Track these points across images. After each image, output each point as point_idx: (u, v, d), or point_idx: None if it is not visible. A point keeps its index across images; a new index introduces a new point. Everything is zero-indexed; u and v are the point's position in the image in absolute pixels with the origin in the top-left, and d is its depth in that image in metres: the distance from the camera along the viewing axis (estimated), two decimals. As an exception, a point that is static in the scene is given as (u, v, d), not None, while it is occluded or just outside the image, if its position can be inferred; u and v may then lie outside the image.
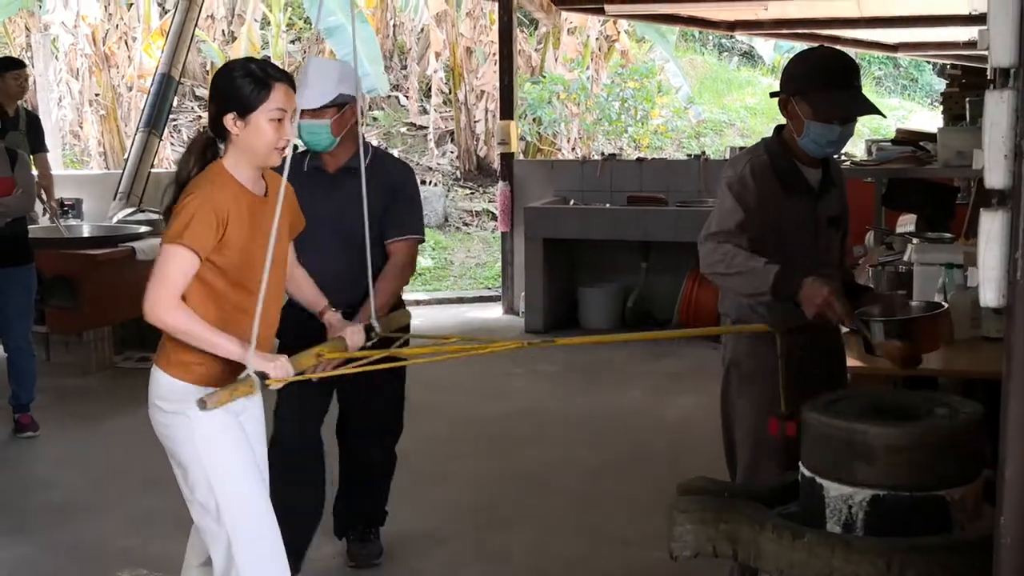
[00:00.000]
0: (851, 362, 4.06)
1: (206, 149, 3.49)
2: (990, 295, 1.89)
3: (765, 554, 2.66)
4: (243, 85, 3.37)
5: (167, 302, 3.30)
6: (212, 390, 3.40)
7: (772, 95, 3.88)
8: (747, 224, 3.67)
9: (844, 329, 4.06)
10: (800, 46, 17.95)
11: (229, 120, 3.39)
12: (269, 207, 3.47)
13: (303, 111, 4.31)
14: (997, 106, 1.85)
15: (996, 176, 1.87)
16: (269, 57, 16.56)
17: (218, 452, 3.49)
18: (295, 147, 3.72)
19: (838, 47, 14.27)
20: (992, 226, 1.88)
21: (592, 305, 10.38)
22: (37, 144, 8.25)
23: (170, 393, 3.47)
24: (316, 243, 4.13)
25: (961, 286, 4.64)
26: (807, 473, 2.76)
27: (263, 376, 3.23)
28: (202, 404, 3.09)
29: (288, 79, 3.47)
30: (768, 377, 3.76)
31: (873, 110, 3.74)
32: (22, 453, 6.77)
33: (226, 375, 3.46)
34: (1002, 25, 1.84)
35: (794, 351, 3.59)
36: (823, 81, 3.68)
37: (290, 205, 3.66)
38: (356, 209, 3.84)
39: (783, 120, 3.85)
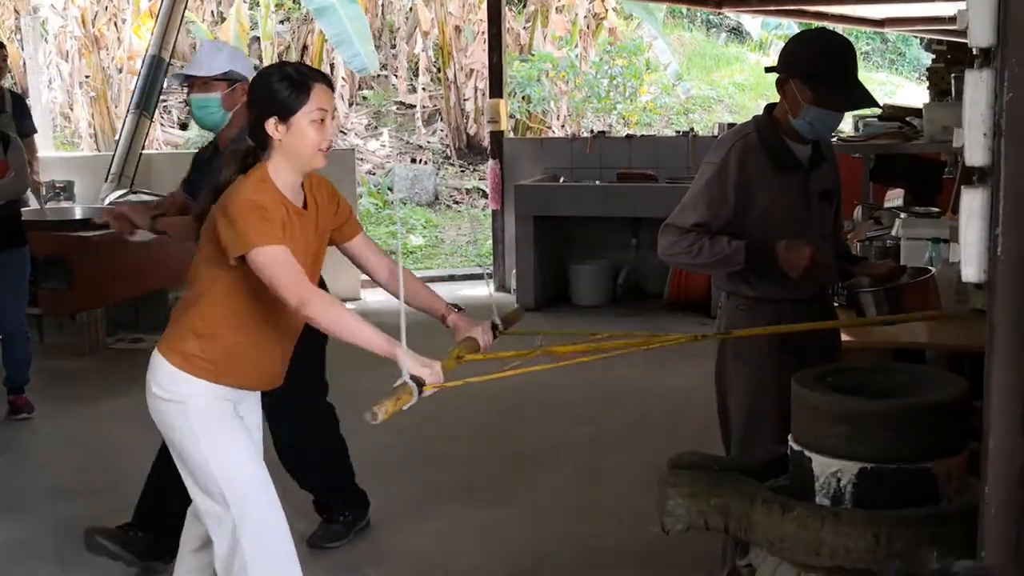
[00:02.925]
0: (842, 336, 4.11)
1: (247, 157, 3.46)
2: (971, 271, 1.93)
3: (756, 527, 2.71)
4: (281, 89, 3.34)
5: (305, 294, 3.23)
6: (211, 386, 3.45)
7: (767, 70, 3.90)
8: (707, 225, 3.76)
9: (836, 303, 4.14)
10: (787, 22, 18.02)
11: (271, 125, 3.35)
12: (308, 219, 3.47)
13: (194, 85, 4.51)
14: (976, 86, 1.88)
15: (976, 154, 1.90)
16: (259, 38, 16.55)
17: (218, 439, 3.50)
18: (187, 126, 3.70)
19: (825, 23, 14.38)
20: (972, 203, 1.92)
21: (583, 282, 10.43)
22: (24, 126, 8.24)
23: (169, 382, 3.48)
24: None
25: (947, 260, 4.69)
26: (796, 447, 2.81)
27: (419, 382, 3.11)
28: (373, 416, 2.95)
29: (326, 79, 3.45)
30: (762, 349, 3.81)
31: (873, 103, 3.78)
32: (17, 434, 6.80)
33: (239, 377, 3.51)
34: (980, 5, 1.87)
35: (786, 341, 3.67)
36: (827, 69, 3.69)
37: (330, 219, 3.61)
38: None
39: (770, 96, 3.89)
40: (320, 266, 3.65)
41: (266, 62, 16.30)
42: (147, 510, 4.78)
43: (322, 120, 3.37)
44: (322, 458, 5.05)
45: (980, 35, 1.89)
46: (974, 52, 1.98)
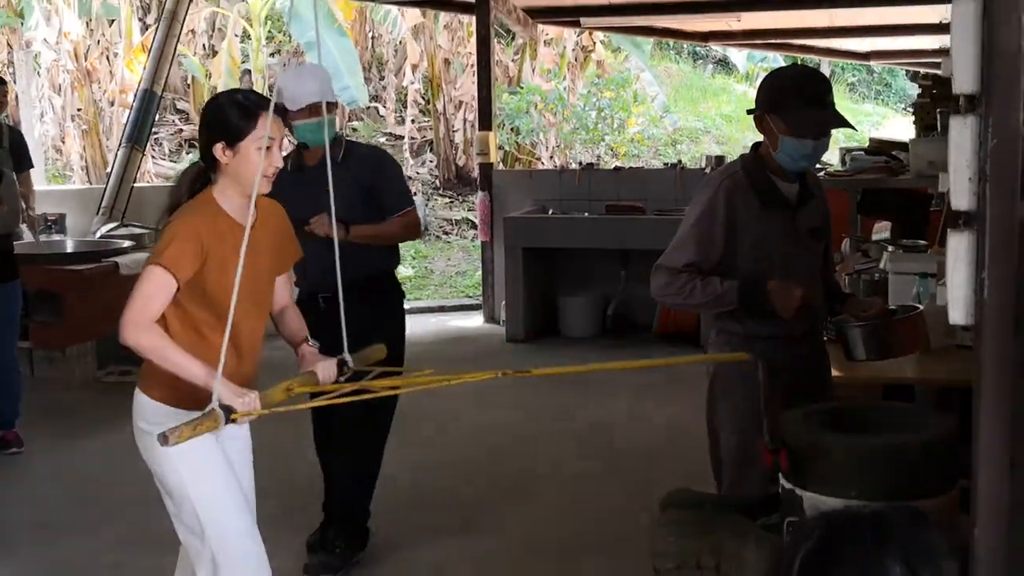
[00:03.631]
0: (832, 371, 4.13)
1: (197, 179, 3.54)
2: (957, 314, 1.96)
3: (748, 566, 2.72)
4: (231, 115, 3.42)
5: (138, 322, 3.33)
6: (191, 413, 3.47)
7: (748, 112, 3.96)
8: (698, 264, 3.81)
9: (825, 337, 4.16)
10: (773, 55, 18.15)
11: (218, 150, 3.42)
12: (256, 238, 3.49)
13: (307, 110, 4.72)
14: (961, 132, 1.92)
15: (961, 199, 1.94)
16: (250, 71, 16.60)
17: (199, 474, 3.53)
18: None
19: (811, 57, 14.45)
20: (959, 247, 1.95)
21: (572, 313, 10.47)
22: (21, 161, 8.25)
23: (152, 415, 3.52)
24: (302, 234, 4.21)
25: (935, 295, 4.72)
26: (787, 485, 2.83)
27: (228, 410, 3.16)
28: (163, 439, 3.00)
29: (276, 108, 3.50)
30: (751, 388, 3.83)
31: (844, 124, 3.81)
32: (7, 469, 6.77)
33: (204, 399, 3.51)
34: (964, 53, 1.91)
35: (776, 379, 3.64)
36: (796, 98, 3.76)
37: (279, 239, 3.68)
38: (337, 196, 3.98)
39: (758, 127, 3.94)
40: (271, 286, 3.71)
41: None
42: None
43: (268, 148, 3.42)
44: (370, 457, 5.17)
45: (964, 82, 1.92)
46: (959, 100, 2.01)
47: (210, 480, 3.55)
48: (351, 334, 3.70)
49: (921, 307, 4.01)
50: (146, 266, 3.36)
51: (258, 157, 3.41)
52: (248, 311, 3.51)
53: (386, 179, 5.02)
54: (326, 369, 3.54)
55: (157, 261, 3.33)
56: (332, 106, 4.76)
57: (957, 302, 1.96)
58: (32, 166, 8.74)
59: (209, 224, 3.42)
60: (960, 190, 1.94)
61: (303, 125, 4.73)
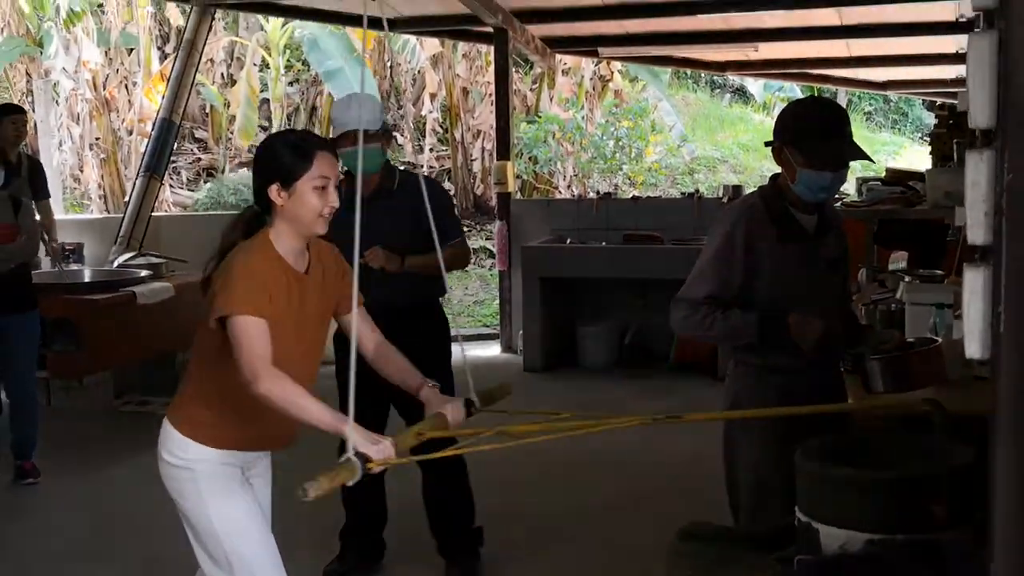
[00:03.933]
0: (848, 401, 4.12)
1: (252, 221, 3.51)
2: (974, 347, 1.95)
3: (763, 598, 2.71)
4: (285, 156, 3.40)
5: (260, 370, 3.23)
6: (221, 452, 3.46)
7: (766, 144, 3.97)
8: (718, 296, 3.81)
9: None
10: (790, 85, 18.18)
11: (273, 191, 3.40)
12: (309, 284, 3.49)
13: (356, 137, 4.73)
14: (977, 166, 1.91)
15: (978, 233, 1.93)
16: (268, 100, 16.69)
17: (225, 505, 3.52)
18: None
19: (828, 86, 14.44)
20: (975, 281, 1.94)
21: (590, 343, 10.46)
22: (40, 190, 8.28)
23: (179, 449, 3.51)
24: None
25: (951, 326, 4.70)
26: (803, 518, 2.82)
27: (364, 459, 3.01)
28: (304, 493, 2.84)
29: (329, 147, 3.49)
30: (769, 421, 3.82)
31: (861, 156, 3.82)
32: (24, 499, 6.79)
33: (238, 440, 3.51)
34: (980, 87, 1.91)
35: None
36: (814, 130, 3.77)
37: (333, 282, 3.62)
38: (391, 225, 3.98)
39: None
40: (326, 330, 3.68)
41: (275, 123, 16.46)
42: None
43: (324, 187, 3.40)
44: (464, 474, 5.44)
45: (980, 117, 1.92)
46: (975, 133, 2.01)
47: (237, 513, 3.55)
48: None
49: (939, 340, 3.99)
50: (229, 320, 3.27)
51: (314, 197, 3.39)
52: (295, 359, 3.46)
53: (438, 209, 5.03)
54: (455, 411, 3.43)
55: (238, 311, 3.26)
56: (380, 135, 4.94)
57: (973, 336, 1.94)
58: (50, 195, 8.78)
59: (267, 265, 3.40)
60: (976, 225, 1.93)
61: (352, 153, 4.73)
